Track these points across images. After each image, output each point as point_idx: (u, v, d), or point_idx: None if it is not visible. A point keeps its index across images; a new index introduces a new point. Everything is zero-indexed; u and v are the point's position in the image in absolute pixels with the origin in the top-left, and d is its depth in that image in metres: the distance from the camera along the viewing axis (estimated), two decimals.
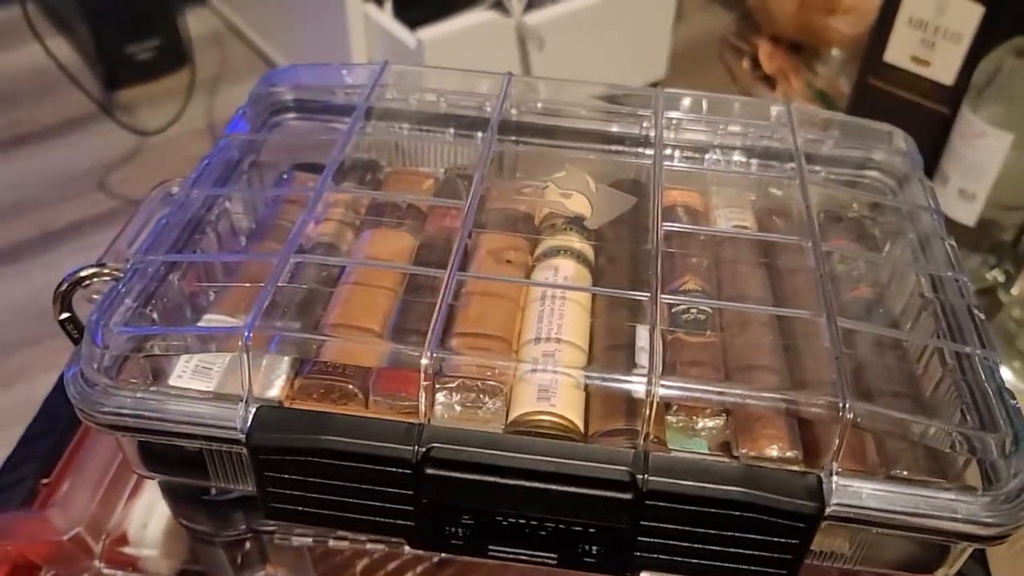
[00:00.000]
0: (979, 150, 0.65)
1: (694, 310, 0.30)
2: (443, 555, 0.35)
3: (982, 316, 0.27)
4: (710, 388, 0.24)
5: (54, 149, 0.82)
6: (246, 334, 0.24)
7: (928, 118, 0.68)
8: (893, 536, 0.26)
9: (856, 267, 0.33)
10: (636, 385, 0.24)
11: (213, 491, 0.31)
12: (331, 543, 0.32)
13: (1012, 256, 0.63)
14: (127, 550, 0.38)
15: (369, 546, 0.32)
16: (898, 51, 0.70)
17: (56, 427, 0.42)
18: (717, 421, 0.28)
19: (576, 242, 0.33)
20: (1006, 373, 0.56)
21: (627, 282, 0.31)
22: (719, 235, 0.33)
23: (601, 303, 0.31)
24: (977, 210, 0.66)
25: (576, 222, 0.33)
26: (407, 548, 0.32)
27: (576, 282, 0.31)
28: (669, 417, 0.28)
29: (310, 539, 0.32)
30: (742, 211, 0.35)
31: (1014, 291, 0.60)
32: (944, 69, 0.68)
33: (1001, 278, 0.63)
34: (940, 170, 0.65)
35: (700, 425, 0.28)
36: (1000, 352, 0.27)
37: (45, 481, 0.39)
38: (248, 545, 0.35)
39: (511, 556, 0.25)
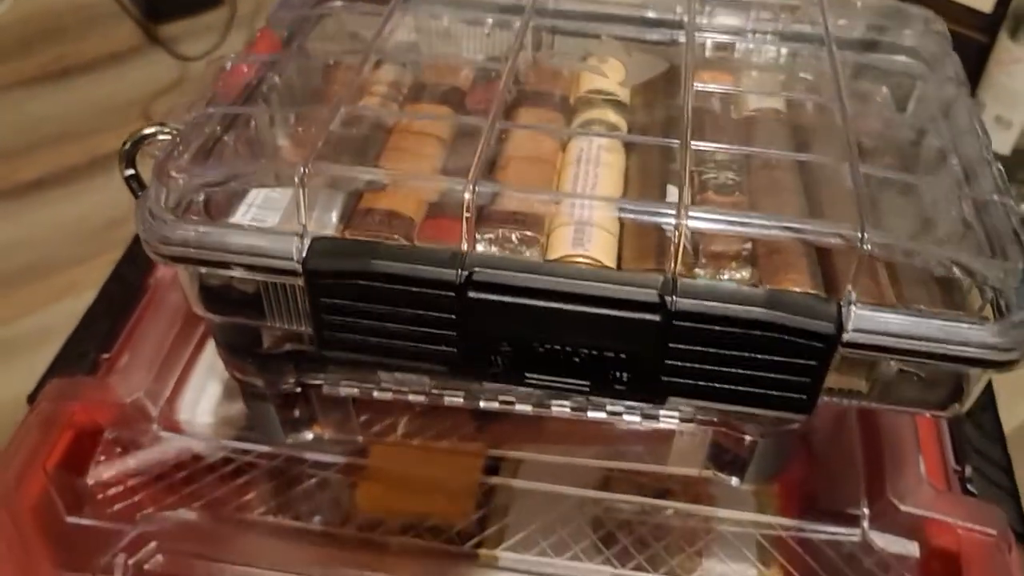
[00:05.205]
0: (1016, 77, 0.65)
1: (723, 176, 0.32)
2: (483, 420, 0.37)
3: (1000, 167, 0.28)
4: (736, 218, 0.26)
5: (99, 81, 0.85)
6: (302, 169, 0.26)
7: (965, 46, 0.67)
8: (909, 372, 0.27)
9: (883, 142, 0.34)
10: (666, 218, 0.26)
11: (266, 344, 0.33)
12: (375, 394, 0.34)
13: None
14: (181, 417, 0.40)
15: (411, 398, 0.34)
16: None
17: (113, 309, 0.45)
18: (744, 273, 0.29)
19: (611, 116, 0.34)
20: None
21: (660, 153, 0.32)
22: (748, 118, 0.34)
23: (634, 168, 0.32)
24: (1013, 138, 0.66)
25: (611, 100, 0.35)
26: (447, 399, 0.34)
27: (611, 153, 0.33)
28: (697, 270, 0.29)
29: (356, 390, 0.34)
30: (772, 94, 0.36)
31: None
32: None
33: None
34: (976, 98, 0.65)
35: (727, 276, 0.29)
36: None
37: (105, 356, 0.42)
38: (298, 411, 0.37)
39: (546, 383, 0.27)
